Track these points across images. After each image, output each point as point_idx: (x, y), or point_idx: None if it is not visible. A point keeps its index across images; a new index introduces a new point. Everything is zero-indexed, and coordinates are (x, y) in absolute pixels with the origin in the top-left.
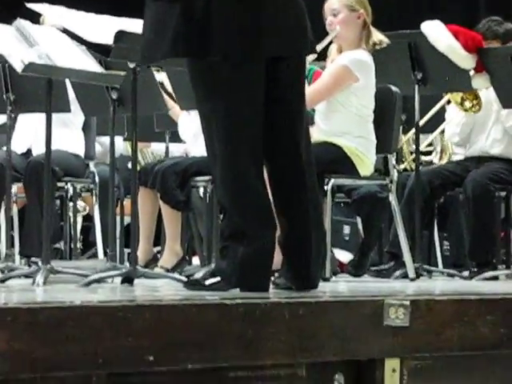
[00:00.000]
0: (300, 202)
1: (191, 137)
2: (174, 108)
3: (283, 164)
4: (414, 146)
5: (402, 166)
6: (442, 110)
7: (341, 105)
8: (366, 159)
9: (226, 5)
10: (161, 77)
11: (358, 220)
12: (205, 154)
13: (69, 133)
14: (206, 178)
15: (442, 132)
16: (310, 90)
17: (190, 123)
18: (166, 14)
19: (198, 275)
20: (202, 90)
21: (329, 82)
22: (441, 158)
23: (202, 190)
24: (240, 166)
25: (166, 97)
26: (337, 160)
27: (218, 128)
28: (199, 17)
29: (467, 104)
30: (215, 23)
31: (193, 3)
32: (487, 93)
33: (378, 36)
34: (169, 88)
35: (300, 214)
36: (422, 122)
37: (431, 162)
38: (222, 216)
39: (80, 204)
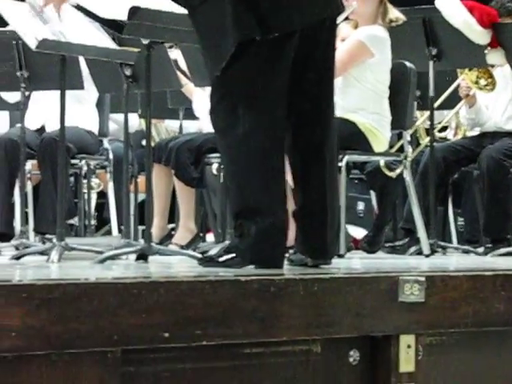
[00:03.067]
0: (318, 175)
1: (206, 113)
2: (187, 85)
3: (304, 135)
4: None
5: (419, 147)
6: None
7: (356, 80)
8: (380, 135)
9: None
10: (174, 54)
11: (373, 196)
12: None
13: (83, 109)
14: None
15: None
16: None
17: (205, 100)
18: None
19: (213, 252)
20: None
21: (344, 58)
22: (455, 134)
23: (215, 166)
24: (258, 141)
25: (179, 74)
26: (351, 136)
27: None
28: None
29: (482, 82)
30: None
31: None
32: (503, 69)
33: (394, 13)
34: (182, 66)
35: (317, 187)
36: (437, 103)
37: (446, 138)
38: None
39: (94, 181)
